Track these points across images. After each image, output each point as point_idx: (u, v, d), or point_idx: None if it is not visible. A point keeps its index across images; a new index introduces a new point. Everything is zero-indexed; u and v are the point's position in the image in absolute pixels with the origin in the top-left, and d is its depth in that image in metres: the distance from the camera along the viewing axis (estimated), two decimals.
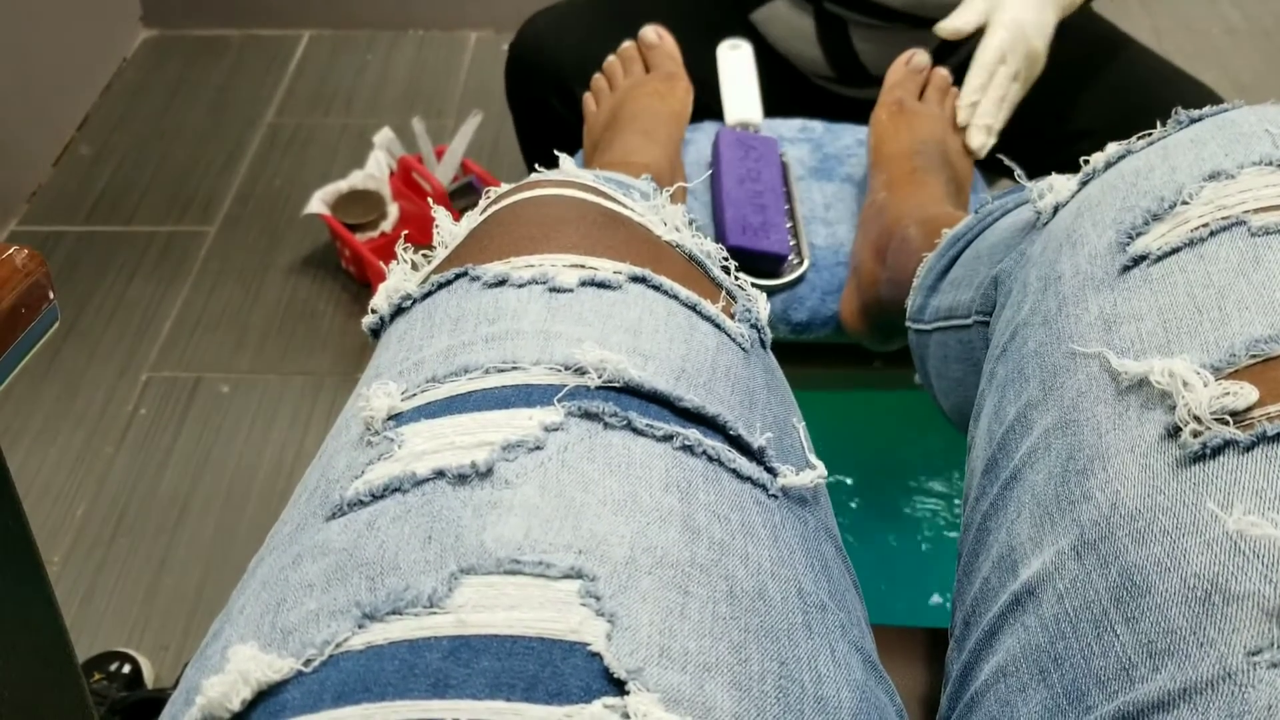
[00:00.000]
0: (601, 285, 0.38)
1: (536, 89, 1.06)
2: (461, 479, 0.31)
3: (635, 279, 0.39)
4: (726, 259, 0.45)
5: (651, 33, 0.96)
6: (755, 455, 0.36)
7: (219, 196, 1.75)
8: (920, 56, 0.92)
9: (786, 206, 0.92)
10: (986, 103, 0.89)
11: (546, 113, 1.06)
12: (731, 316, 0.42)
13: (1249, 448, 0.29)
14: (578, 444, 0.32)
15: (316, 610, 0.28)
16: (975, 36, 0.91)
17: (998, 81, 0.89)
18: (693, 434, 0.34)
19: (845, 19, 1.03)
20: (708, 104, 0.99)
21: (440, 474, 0.31)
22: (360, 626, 0.27)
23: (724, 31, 1.04)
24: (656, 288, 0.39)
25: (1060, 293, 0.39)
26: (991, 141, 0.90)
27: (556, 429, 0.32)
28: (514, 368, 0.35)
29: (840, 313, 0.87)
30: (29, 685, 0.54)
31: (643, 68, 0.95)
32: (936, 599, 0.95)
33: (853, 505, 1.00)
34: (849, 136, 1.00)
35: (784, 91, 1.09)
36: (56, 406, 1.43)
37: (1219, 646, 0.27)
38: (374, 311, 0.42)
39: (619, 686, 0.26)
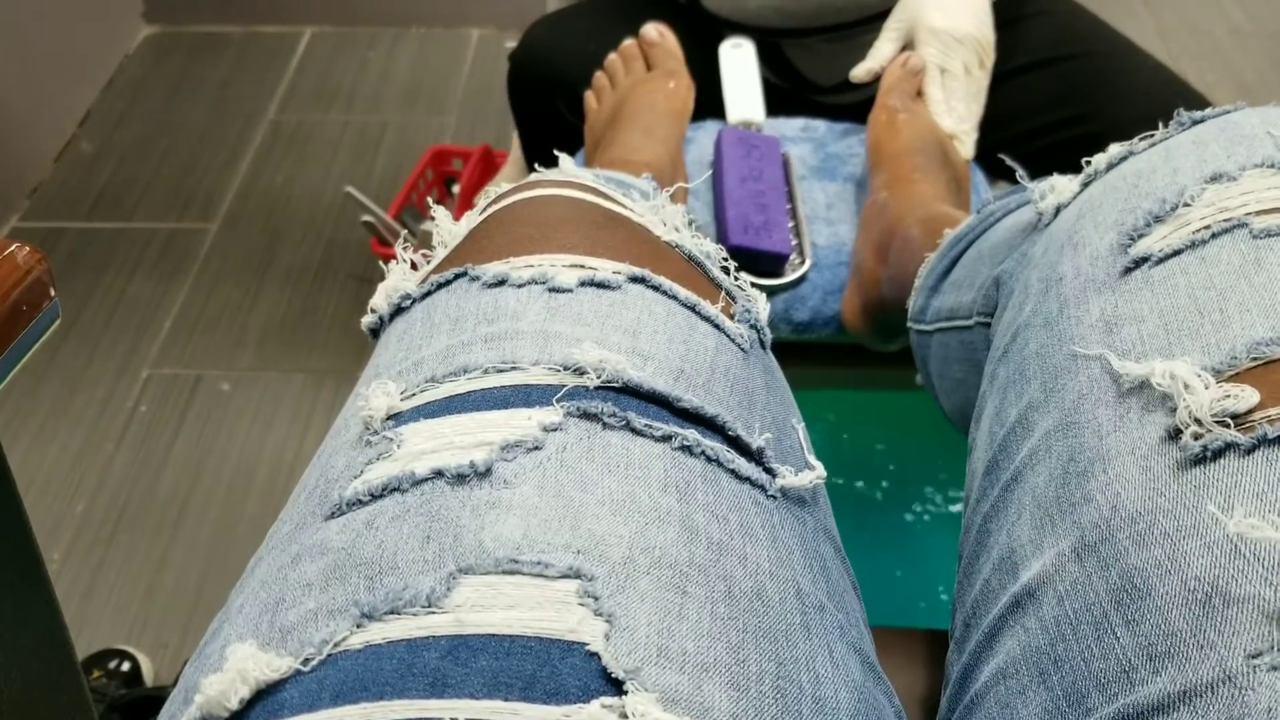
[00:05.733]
0: (601, 285, 0.38)
1: (542, 95, 1.06)
2: (460, 479, 0.31)
3: (634, 279, 0.39)
4: (726, 259, 0.45)
5: (653, 30, 0.96)
6: (754, 456, 0.36)
7: (220, 193, 1.75)
8: (915, 59, 0.92)
9: (789, 206, 0.92)
10: (956, 109, 0.90)
11: (553, 118, 1.06)
12: (731, 317, 0.42)
13: (1250, 450, 0.29)
14: (576, 444, 0.32)
15: (315, 609, 0.28)
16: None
17: (953, 88, 0.91)
18: (691, 434, 0.34)
19: (773, 37, 1.04)
20: (710, 103, 0.99)
21: (439, 474, 0.31)
22: (359, 626, 0.27)
23: (708, 24, 1.04)
24: (656, 288, 0.39)
25: (1062, 294, 0.39)
26: (976, 135, 0.91)
27: (555, 429, 0.32)
28: (513, 368, 0.35)
29: (842, 312, 0.87)
30: (28, 682, 0.54)
31: (644, 65, 0.95)
32: (936, 601, 0.95)
33: (852, 506, 1.00)
34: (851, 136, 1.00)
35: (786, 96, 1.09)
36: (57, 403, 1.43)
37: (1219, 649, 0.27)
38: (373, 311, 0.42)
39: (617, 686, 0.26)
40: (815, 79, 1.06)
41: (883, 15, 0.96)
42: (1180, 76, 0.99)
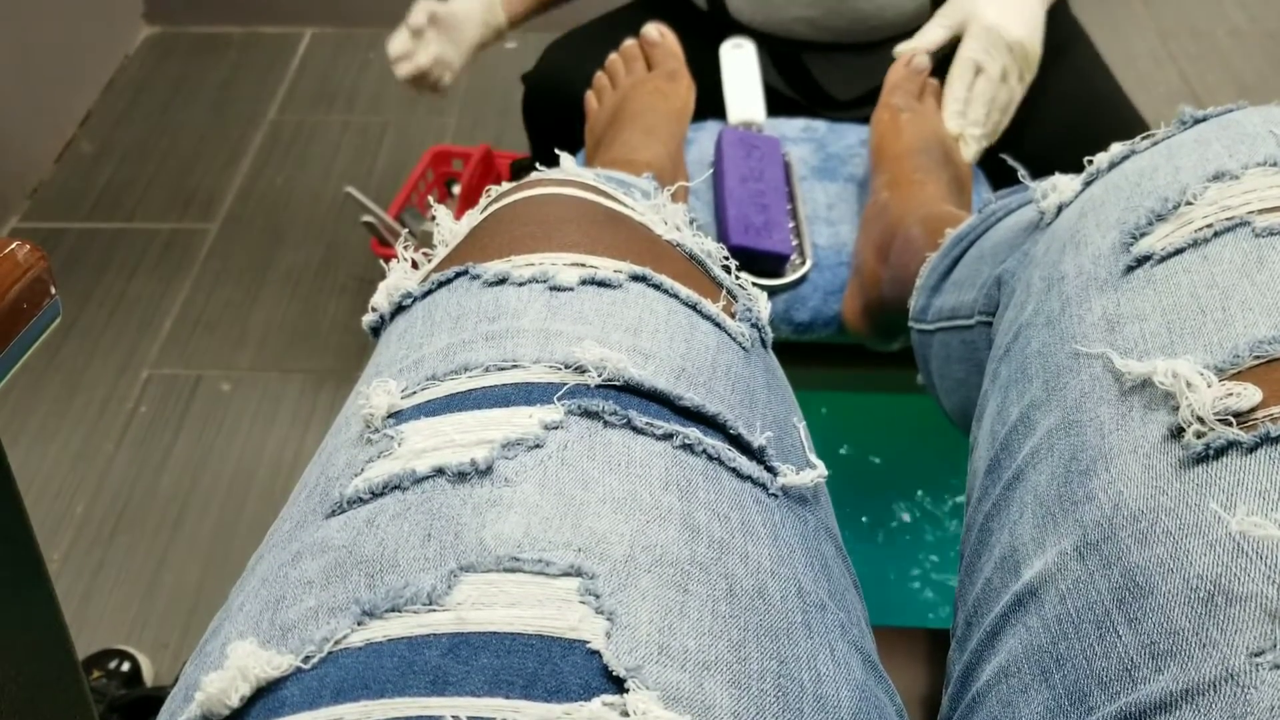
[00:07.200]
0: (602, 284, 0.38)
1: (559, 117, 1.06)
2: (461, 477, 0.31)
3: (636, 278, 0.39)
4: (727, 258, 0.45)
5: (654, 30, 0.96)
6: (755, 454, 0.36)
7: (220, 194, 1.75)
8: (920, 58, 0.92)
9: (789, 206, 0.92)
10: (973, 111, 0.90)
11: (570, 139, 1.06)
12: (732, 316, 0.42)
13: (1252, 449, 0.29)
14: (577, 442, 0.32)
15: (316, 607, 0.28)
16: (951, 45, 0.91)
17: (980, 90, 0.89)
18: (693, 433, 0.34)
19: (794, 44, 1.03)
20: (710, 103, 0.99)
21: (440, 472, 0.31)
22: (359, 624, 0.27)
23: (715, 26, 1.04)
24: (657, 286, 0.39)
25: (1064, 293, 0.39)
26: (986, 144, 0.91)
27: (556, 427, 0.32)
28: (514, 366, 0.35)
29: (843, 312, 0.87)
30: (29, 682, 0.54)
31: (645, 65, 0.95)
32: (937, 600, 0.95)
33: (854, 505, 1.00)
34: (852, 136, 1.00)
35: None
36: (57, 404, 1.43)
37: (1222, 647, 0.27)
38: (374, 310, 0.42)
39: (618, 684, 0.26)
40: (832, 91, 1.06)
41: (911, 32, 0.95)
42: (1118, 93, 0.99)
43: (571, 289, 0.38)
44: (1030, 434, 0.37)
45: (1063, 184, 0.45)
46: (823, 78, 1.05)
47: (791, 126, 1.01)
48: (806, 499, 0.37)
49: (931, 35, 0.92)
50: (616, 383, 0.34)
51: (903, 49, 0.93)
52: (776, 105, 1.06)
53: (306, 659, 0.27)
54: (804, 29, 1.01)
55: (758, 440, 0.36)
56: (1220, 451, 0.30)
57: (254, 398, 1.43)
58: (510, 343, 0.36)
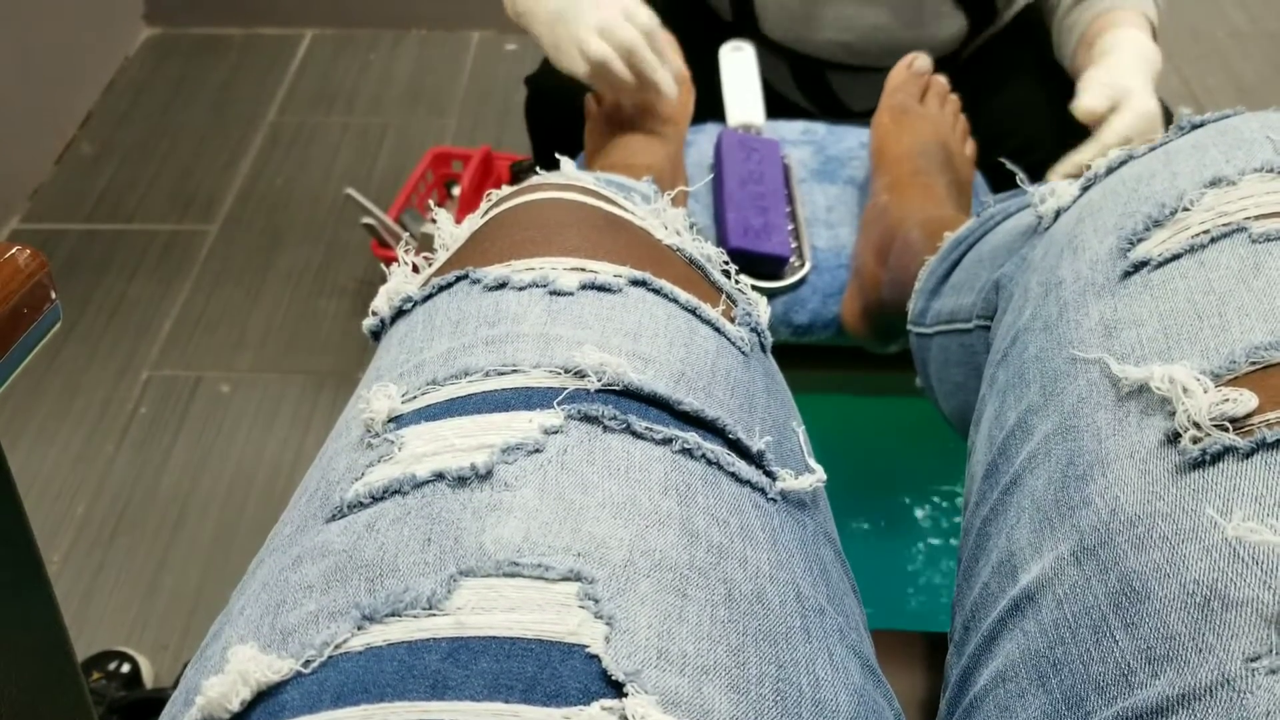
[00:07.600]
0: (602, 288, 0.38)
1: (562, 119, 1.06)
2: (461, 481, 0.31)
3: (635, 282, 0.39)
4: (727, 262, 0.46)
5: None
6: (754, 459, 0.36)
7: (220, 195, 1.75)
8: (922, 60, 0.92)
9: (788, 209, 0.92)
10: (1079, 154, 0.83)
11: (572, 142, 1.06)
12: (732, 320, 0.42)
13: (1248, 454, 0.29)
14: (577, 447, 0.32)
15: (316, 612, 0.28)
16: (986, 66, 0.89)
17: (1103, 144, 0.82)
18: (692, 437, 0.34)
19: (821, 62, 1.03)
20: (710, 105, 0.99)
21: (440, 476, 0.31)
22: (359, 628, 0.28)
23: (727, 34, 1.04)
24: (657, 291, 0.39)
25: (1061, 298, 0.39)
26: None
27: (556, 432, 0.32)
28: (514, 370, 0.35)
29: (842, 315, 0.87)
30: (28, 684, 0.54)
31: None
32: (936, 604, 0.95)
33: (852, 509, 1.00)
34: (851, 139, 1.00)
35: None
36: (57, 405, 1.43)
37: (1218, 653, 0.27)
38: (374, 313, 0.42)
39: (617, 688, 0.26)
40: (850, 104, 1.05)
41: (944, 59, 0.93)
42: None
43: (571, 294, 0.38)
44: (1028, 439, 0.37)
45: (1061, 189, 0.45)
46: (842, 92, 1.05)
47: (791, 129, 1.01)
48: (805, 503, 0.37)
49: (1097, 103, 0.83)
50: (616, 387, 0.34)
51: (1079, 107, 0.83)
52: (782, 110, 1.06)
53: (307, 663, 0.27)
54: (837, 52, 1.01)
55: (757, 445, 0.36)
56: (1216, 457, 0.30)
57: (254, 399, 1.43)
58: (510, 347, 0.36)
